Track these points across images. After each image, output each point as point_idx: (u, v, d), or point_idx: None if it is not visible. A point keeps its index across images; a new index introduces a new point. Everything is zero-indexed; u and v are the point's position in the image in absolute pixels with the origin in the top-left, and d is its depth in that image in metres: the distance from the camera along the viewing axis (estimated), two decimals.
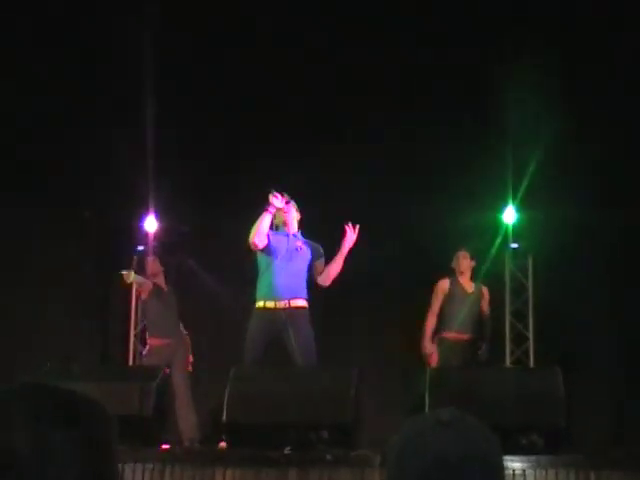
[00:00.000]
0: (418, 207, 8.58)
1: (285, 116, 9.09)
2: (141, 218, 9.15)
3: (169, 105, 8.65)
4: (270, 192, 6.83)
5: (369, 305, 9.13)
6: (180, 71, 9.05)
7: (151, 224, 9.09)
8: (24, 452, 1.20)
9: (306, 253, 7.03)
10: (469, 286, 8.30)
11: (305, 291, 6.99)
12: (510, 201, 8.98)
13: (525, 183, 8.69)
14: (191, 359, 8.24)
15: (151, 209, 9.05)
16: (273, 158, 8.68)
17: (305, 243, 7.09)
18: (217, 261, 9.02)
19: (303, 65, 8.99)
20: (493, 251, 8.82)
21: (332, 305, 8.71)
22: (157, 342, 8.19)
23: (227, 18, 9.02)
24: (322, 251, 7.11)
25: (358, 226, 6.86)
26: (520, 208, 9.00)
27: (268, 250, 6.94)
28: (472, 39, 8.67)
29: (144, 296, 8.42)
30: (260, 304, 6.93)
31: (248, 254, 7.08)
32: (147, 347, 8.39)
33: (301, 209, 7.20)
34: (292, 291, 6.91)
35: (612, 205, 8.65)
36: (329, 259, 7.09)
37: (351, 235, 6.86)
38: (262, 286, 6.96)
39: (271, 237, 6.97)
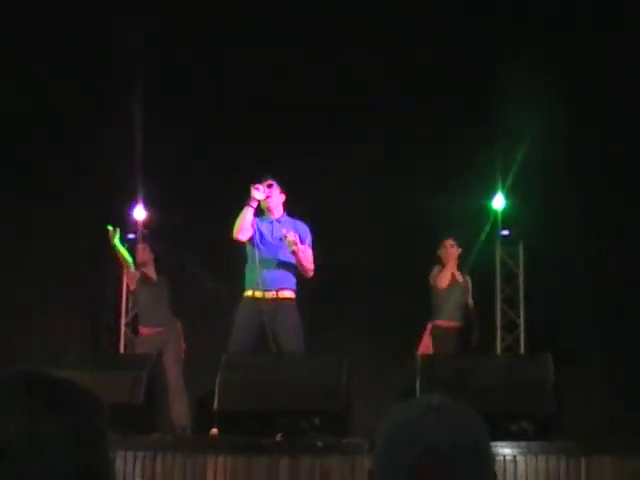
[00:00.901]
0: (405, 193, 8.60)
1: (279, 114, 9.11)
2: (130, 207, 9.15)
3: (157, 97, 8.66)
4: (251, 185, 6.83)
5: (358, 292, 9.12)
6: (172, 66, 9.05)
7: (140, 213, 9.10)
8: (17, 441, 1.20)
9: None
10: (457, 274, 8.32)
11: (293, 281, 7.02)
12: (499, 188, 8.99)
13: (514, 170, 8.70)
14: (184, 347, 8.23)
15: (139, 198, 9.06)
16: (262, 146, 8.70)
17: (291, 225, 7.06)
18: (205, 249, 9.02)
19: (302, 64, 9.01)
20: (482, 238, 8.83)
21: (321, 292, 8.72)
22: (148, 331, 8.19)
23: (227, 17, 9.02)
24: (308, 232, 7.09)
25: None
26: (510, 195, 9.00)
27: (254, 240, 6.94)
28: (465, 30, 8.70)
29: (132, 287, 8.42)
30: (249, 293, 6.96)
31: (235, 244, 7.09)
32: (138, 336, 8.38)
33: (291, 196, 7.20)
34: (280, 281, 6.94)
35: (603, 191, 8.68)
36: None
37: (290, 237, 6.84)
38: (250, 276, 6.97)
39: (256, 225, 6.97)
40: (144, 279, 8.28)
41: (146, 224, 8.95)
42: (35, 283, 9.15)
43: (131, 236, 8.78)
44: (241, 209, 6.89)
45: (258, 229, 6.96)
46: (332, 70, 9.08)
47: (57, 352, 8.82)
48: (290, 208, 7.25)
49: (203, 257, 9.00)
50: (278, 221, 7.06)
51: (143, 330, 8.27)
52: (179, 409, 7.86)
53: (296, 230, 7.02)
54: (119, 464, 5.30)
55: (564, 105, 8.37)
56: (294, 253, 6.87)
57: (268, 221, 7.04)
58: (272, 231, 7.00)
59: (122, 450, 5.36)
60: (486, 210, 9.13)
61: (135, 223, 9.01)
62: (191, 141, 9.14)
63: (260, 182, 6.97)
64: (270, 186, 6.98)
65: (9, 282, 9.13)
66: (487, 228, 8.99)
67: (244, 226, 6.84)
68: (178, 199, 9.08)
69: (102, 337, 9.47)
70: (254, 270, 6.93)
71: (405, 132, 8.89)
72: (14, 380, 1.27)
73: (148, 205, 9.11)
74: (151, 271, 8.33)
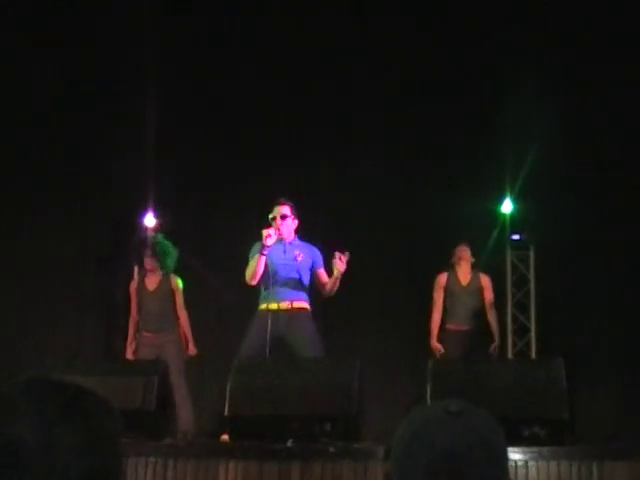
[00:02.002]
0: (416, 198, 8.62)
1: (283, 116, 9.13)
2: (141, 214, 9.19)
3: (170, 102, 8.68)
4: (264, 229, 6.79)
5: (370, 296, 9.13)
6: (183, 70, 9.07)
7: (150, 220, 9.14)
8: (30, 446, 1.21)
9: (305, 261, 7.04)
10: (466, 278, 8.32)
11: (307, 296, 7.04)
12: (507, 193, 8.99)
13: (523, 174, 8.69)
14: (187, 354, 8.17)
15: (150, 205, 9.10)
16: (272, 157, 8.72)
17: (303, 249, 7.08)
18: (216, 256, 9.04)
19: (306, 66, 9.03)
20: (491, 243, 8.83)
21: (333, 297, 8.73)
22: (147, 336, 8.17)
23: (228, 18, 9.05)
24: (320, 256, 7.09)
25: (348, 254, 6.72)
26: (520, 199, 9.00)
27: (267, 262, 6.93)
28: (472, 35, 8.70)
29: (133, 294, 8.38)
30: (262, 307, 6.95)
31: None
32: (134, 341, 8.31)
33: (300, 204, 7.18)
34: (294, 295, 6.96)
35: (614, 194, 8.67)
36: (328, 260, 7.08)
37: (341, 265, 6.73)
38: (265, 294, 6.98)
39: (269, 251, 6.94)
40: (143, 287, 8.26)
41: (157, 230, 8.96)
42: (46, 287, 9.17)
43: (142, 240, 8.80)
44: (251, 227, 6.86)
45: (270, 253, 6.91)
46: (340, 75, 9.09)
47: (68, 357, 8.84)
48: (304, 213, 7.23)
49: (215, 264, 9.01)
50: (290, 243, 7.07)
51: (142, 335, 8.26)
52: (182, 415, 7.83)
53: (309, 253, 7.04)
54: (131, 470, 5.31)
55: (573, 107, 8.36)
56: (337, 279, 6.84)
57: (280, 244, 7.02)
58: (284, 252, 7.00)
59: (134, 455, 5.36)
60: (495, 214, 9.13)
61: (145, 230, 9.03)
62: (204, 147, 9.16)
63: (273, 212, 6.95)
64: (284, 217, 6.97)
65: (20, 285, 9.15)
66: (495, 232, 8.99)
67: (258, 274, 6.90)
68: (189, 206, 9.10)
69: (114, 342, 9.47)
70: (268, 290, 6.93)
71: (413, 136, 8.89)
72: (29, 385, 1.28)
73: (159, 212, 9.13)
74: (153, 279, 8.28)
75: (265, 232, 6.80)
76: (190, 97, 9.10)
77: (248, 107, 9.09)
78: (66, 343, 9.20)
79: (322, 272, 7.07)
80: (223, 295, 9.03)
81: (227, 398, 5.85)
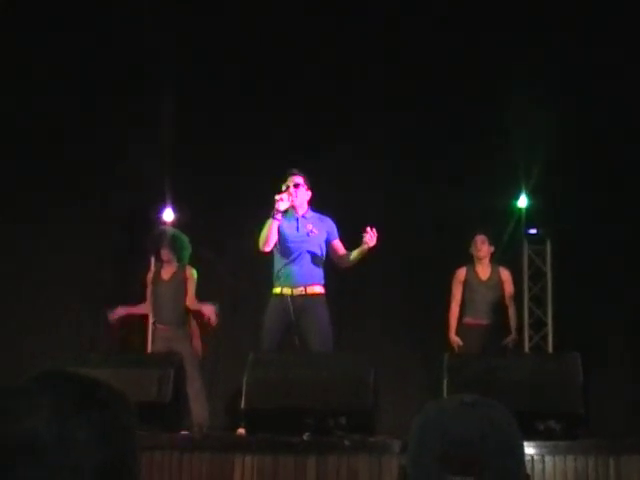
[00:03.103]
0: (429, 193, 8.63)
1: (298, 111, 9.14)
2: (159, 209, 9.23)
3: (187, 99, 8.71)
4: (275, 195, 6.75)
5: (385, 290, 9.13)
6: (198, 68, 9.09)
7: (169, 215, 9.18)
8: (46, 439, 1.21)
9: (319, 235, 6.97)
10: (486, 272, 8.29)
11: (322, 276, 6.96)
12: (523, 188, 8.97)
13: (539, 168, 8.67)
14: (200, 347, 8.18)
15: (169, 200, 9.13)
16: (288, 155, 8.71)
17: (317, 221, 7.02)
18: (231, 252, 9.05)
19: (318, 63, 9.04)
20: (506, 237, 8.80)
21: (349, 289, 8.74)
22: (161, 328, 8.20)
23: (229, 19, 9.05)
24: (335, 227, 7.04)
25: (374, 230, 6.67)
26: (536, 193, 8.97)
27: (280, 238, 6.91)
28: (488, 30, 8.69)
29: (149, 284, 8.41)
30: (277, 290, 6.93)
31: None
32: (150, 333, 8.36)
33: (317, 195, 7.16)
34: (308, 277, 6.89)
35: (631, 187, 8.63)
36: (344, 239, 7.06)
37: (371, 240, 6.66)
38: (278, 273, 6.94)
39: (281, 224, 6.91)
40: (158, 279, 8.29)
41: (175, 226, 8.98)
42: (62, 281, 9.21)
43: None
44: (267, 215, 6.84)
45: (283, 226, 6.91)
46: (350, 71, 9.09)
47: (84, 350, 8.88)
48: (316, 204, 7.21)
49: (230, 259, 9.03)
50: (303, 217, 7.01)
51: (155, 327, 8.29)
52: (196, 409, 7.84)
53: (323, 226, 7.00)
54: (147, 462, 5.32)
55: (587, 103, 8.33)
56: (363, 254, 6.79)
57: (293, 218, 6.98)
58: (297, 227, 6.95)
59: (149, 448, 5.38)
60: (511, 209, 9.11)
61: (164, 224, 9.05)
62: (222, 141, 9.18)
63: (286, 182, 6.93)
64: (297, 186, 6.94)
65: (36, 280, 9.19)
66: (511, 228, 8.96)
67: (270, 239, 6.81)
68: (207, 201, 9.11)
69: (129, 335, 9.50)
70: (281, 267, 6.91)
71: (426, 132, 8.88)
72: (43, 379, 1.29)
73: (177, 207, 9.16)
74: (168, 271, 8.30)
75: (277, 196, 6.74)
76: (206, 94, 9.11)
77: (266, 104, 9.10)
78: (82, 336, 9.24)
79: (337, 243, 7.02)
80: (238, 290, 9.04)
81: (243, 392, 5.86)
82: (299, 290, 6.85)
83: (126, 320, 8.31)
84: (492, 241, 8.33)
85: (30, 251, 9.22)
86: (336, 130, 9.03)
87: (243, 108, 9.11)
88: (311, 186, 7.05)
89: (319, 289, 6.92)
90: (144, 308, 8.35)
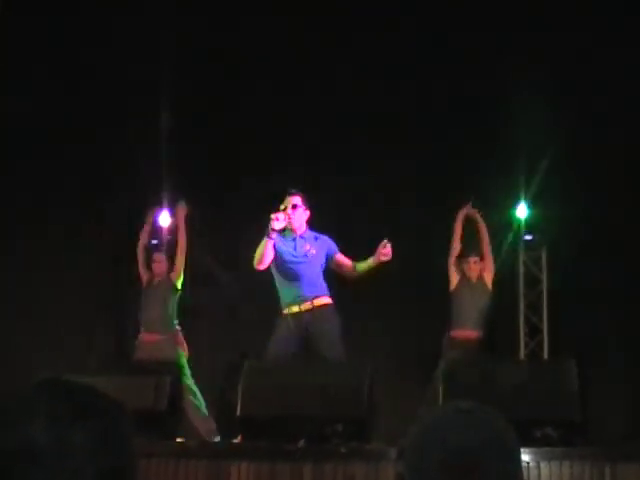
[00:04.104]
0: (428, 202, 8.63)
1: (297, 116, 9.13)
2: (155, 213, 9.19)
3: (185, 104, 8.70)
4: (271, 215, 6.70)
5: (381, 297, 9.12)
6: (196, 71, 9.08)
7: (165, 219, 9.14)
8: (44, 447, 1.22)
9: (318, 255, 6.96)
10: (475, 283, 8.24)
11: (325, 287, 6.94)
12: (522, 197, 8.97)
13: (538, 178, 8.67)
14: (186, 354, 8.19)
15: (165, 204, 9.09)
16: (289, 158, 8.72)
17: (315, 241, 7.00)
18: (229, 256, 9.04)
19: (318, 65, 9.04)
20: (505, 247, 8.81)
21: (344, 298, 8.73)
22: (146, 337, 8.21)
23: (231, 21, 9.06)
24: (332, 242, 7.03)
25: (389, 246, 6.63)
26: (533, 202, 8.98)
27: (278, 259, 6.88)
28: (490, 37, 8.69)
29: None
30: (285, 311, 6.88)
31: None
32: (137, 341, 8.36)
33: (316, 209, 7.14)
34: (313, 290, 6.86)
35: (626, 195, 8.64)
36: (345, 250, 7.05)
37: (386, 255, 6.63)
38: (283, 294, 6.91)
39: (279, 245, 6.88)
40: (148, 287, 8.32)
41: (171, 231, 8.97)
42: (58, 287, 9.19)
43: (155, 242, 8.81)
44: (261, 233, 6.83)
45: (280, 247, 6.86)
46: (350, 80, 9.10)
47: (80, 357, 8.87)
48: (316, 214, 7.20)
49: (228, 264, 9.02)
50: (302, 237, 6.98)
51: (141, 336, 8.28)
52: (198, 419, 7.83)
53: (321, 245, 6.97)
54: (142, 470, 5.31)
55: (584, 112, 8.34)
56: (375, 266, 6.77)
57: (291, 238, 6.95)
58: (295, 247, 6.93)
59: (146, 456, 5.37)
60: (510, 219, 9.11)
61: (160, 229, 9.03)
62: (219, 145, 9.17)
63: (285, 202, 6.87)
64: (295, 207, 6.90)
65: (30, 285, 9.17)
66: (510, 237, 8.97)
67: (265, 258, 6.78)
68: (203, 205, 9.11)
69: (124, 342, 9.49)
70: (284, 288, 6.88)
71: (426, 139, 8.89)
72: (42, 387, 1.30)
73: (174, 211, 9.15)
74: (157, 282, 8.34)
75: (273, 215, 6.69)
76: (204, 96, 9.10)
77: (264, 107, 9.10)
78: (79, 343, 9.22)
79: (340, 257, 6.99)
80: (236, 295, 9.04)
81: (239, 399, 5.85)
82: (306, 305, 6.82)
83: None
84: (483, 258, 8.29)
85: (24, 256, 9.20)
86: (335, 140, 9.02)
87: (245, 111, 9.10)
88: (310, 206, 7.01)
89: (326, 299, 6.90)
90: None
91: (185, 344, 8.27)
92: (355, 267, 6.94)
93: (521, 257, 9.33)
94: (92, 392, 1.31)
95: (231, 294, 9.10)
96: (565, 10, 8.50)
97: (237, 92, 9.17)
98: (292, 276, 6.85)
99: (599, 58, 8.48)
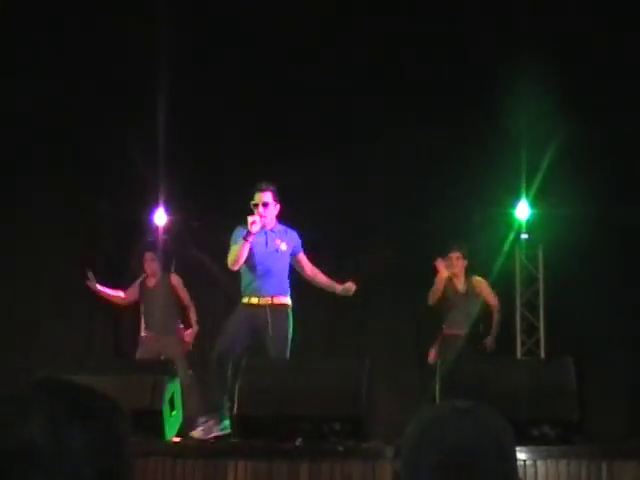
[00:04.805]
0: (426, 200, 8.62)
1: (291, 115, 9.13)
2: (151, 212, 9.19)
3: (179, 101, 8.69)
4: (248, 215, 6.77)
5: (378, 296, 9.12)
6: (192, 69, 9.08)
7: (160, 218, 9.14)
8: (41, 447, 1.22)
9: (286, 251, 7.03)
10: (461, 285, 8.28)
11: (288, 288, 7.02)
12: (523, 196, 8.97)
13: (537, 178, 8.67)
14: (189, 336, 8.27)
15: (161, 203, 9.10)
16: (278, 157, 8.72)
17: (285, 234, 7.05)
18: (225, 254, 9.05)
19: (315, 65, 9.03)
20: (506, 247, 8.83)
21: (340, 297, 8.72)
22: (147, 337, 8.24)
23: (230, 20, 9.06)
24: (300, 241, 7.11)
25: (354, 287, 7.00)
26: (532, 202, 8.98)
27: (248, 253, 6.92)
28: (483, 38, 8.69)
29: (133, 298, 8.45)
30: (244, 300, 6.97)
31: None
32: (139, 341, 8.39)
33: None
34: (275, 288, 6.93)
35: (623, 194, 8.64)
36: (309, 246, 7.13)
37: (348, 291, 7.02)
38: (246, 285, 6.99)
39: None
40: (144, 289, 8.36)
41: (167, 230, 8.97)
42: (56, 287, 9.19)
43: (149, 240, 8.82)
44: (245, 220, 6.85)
45: (250, 243, 6.89)
46: (347, 75, 9.10)
47: (78, 356, 8.87)
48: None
49: (223, 262, 9.02)
50: (272, 231, 7.03)
51: (143, 335, 8.32)
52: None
53: (289, 239, 7.04)
54: (140, 469, 5.31)
55: (585, 111, 8.34)
56: (330, 288, 7.12)
57: (262, 232, 6.97)
58: (266, 242, 6.97)
59: (143, 455, 5.37)
60: (509, 218, 9.12)
61: (156, 228, 9.03)
62: (214, 143, 9.16)
63: (254, 200, 6.89)
64: (266, 205, 6.93)
65: (30, 286, 9.17)
66: (510, 236, 8.99)
67: (241, 260, 6.87)
68: (199, 203, 9.11)
69: (123, 341, 9.50)
70: (249, 280, 6.96)
71: (427, 137, 8.88)
72: (40, 387, 1.30)
73: (169, 209, 9.14)
74: (152, 281, 8.38)
75: (250, 219, 6.77)
76: (199, 96, 9.10)
77: (259, 105, 9.10)
78: (76, 343, 9.22)
79: (302, 256, 7.11)
80: (232, 293, 9.03)
81: (236, 398, 5.86)
82: (265, 300, 6.89)
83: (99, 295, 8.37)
84: (466, 254, 8.30)
85: (21, 256, 9.20)
86: (330, 138, 9.03)
87: (240, 110, 9.10)
88: (280, 199, 7.03)
89: (285, 300, 6.98)
90: (118, 298, 8.40)
91: (186, 340, 8.30)
92: (315, 277, 7.16)
93: (518, 256, 9.34)
94: (90, 392, 1.31)
95: (229, 292, 9.10)
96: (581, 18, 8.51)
97: (237, 92, 9.17)
98: (260, 270, 6.92)
99: (599, 58, 8.49)
